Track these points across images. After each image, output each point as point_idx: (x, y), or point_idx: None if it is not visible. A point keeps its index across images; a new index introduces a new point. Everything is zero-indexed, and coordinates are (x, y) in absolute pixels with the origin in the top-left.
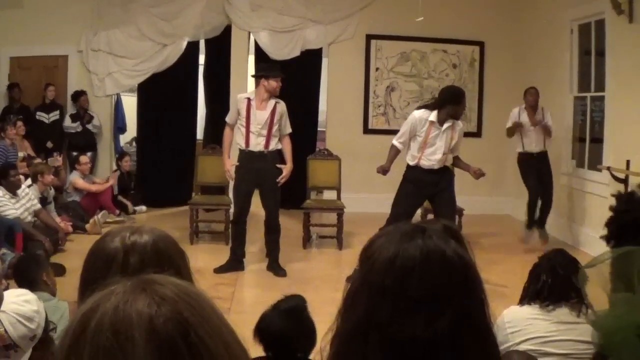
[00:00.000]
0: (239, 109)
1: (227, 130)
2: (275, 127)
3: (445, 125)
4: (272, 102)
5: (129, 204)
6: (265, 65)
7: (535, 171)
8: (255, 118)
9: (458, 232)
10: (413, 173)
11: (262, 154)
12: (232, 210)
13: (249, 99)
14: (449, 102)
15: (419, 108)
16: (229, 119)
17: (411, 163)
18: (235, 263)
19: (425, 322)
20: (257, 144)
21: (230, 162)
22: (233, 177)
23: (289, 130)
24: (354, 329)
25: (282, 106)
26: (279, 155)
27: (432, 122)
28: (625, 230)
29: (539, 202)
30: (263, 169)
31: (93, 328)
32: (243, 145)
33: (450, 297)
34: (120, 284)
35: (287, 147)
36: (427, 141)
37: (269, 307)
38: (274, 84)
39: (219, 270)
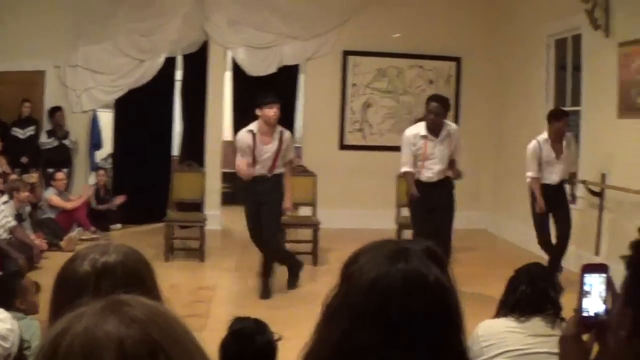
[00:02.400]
0: (248, 145)
1: (243, 166)
2: (280, 155)
3: (442, 135)
4: (278, 133)
5: (109, 206)
6: (262, 94)
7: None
8: (260, 153)
9: (440, 254)
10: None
11: (265, 177)
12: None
13: (252, 133)
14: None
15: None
16: (241, 158)
17: None
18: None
19: (404, 349)
20: (261, 170)
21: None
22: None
23: (291, 155)
24: (332, 351)
25: (287, 136)
26: (281, 178)
27: (424, 136)
28: None
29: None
30: (265, 191)
31: (64, 350)
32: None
33: (430, 324)
34: (90, 306)
35: (287, 173)
36: (426, 155)
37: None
38: (268, 112)
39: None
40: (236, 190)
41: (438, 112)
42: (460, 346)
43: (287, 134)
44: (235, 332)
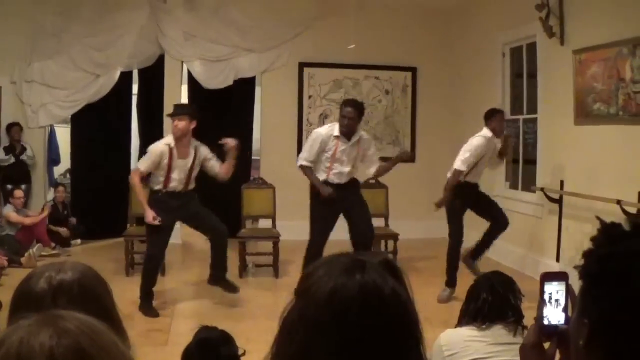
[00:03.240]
0: (160, 160)
1: (137, 179)
2: (195, 172)
3: (353, 140)
4: (193, 148)
5: (61, 230)
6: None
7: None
8: (176, 166)
9: (396, 266)
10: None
11: (179, 193)
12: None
13: (169, 147)
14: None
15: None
16: (143, 167)
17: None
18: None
19: None
20: (175, 187)
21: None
22: (159, 220)
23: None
24: None
25: (202, 151)
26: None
27: (337, 137)
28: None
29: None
30: (183, 205)
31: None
32: (160, 187)
33: (387, 338)
34: (26, 319)
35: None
36: (335, 156)
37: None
38: (175, 124)
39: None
40: None
41: (352, 117)
42: (419, 359)
43: (201, 148)
44: (201, 340)
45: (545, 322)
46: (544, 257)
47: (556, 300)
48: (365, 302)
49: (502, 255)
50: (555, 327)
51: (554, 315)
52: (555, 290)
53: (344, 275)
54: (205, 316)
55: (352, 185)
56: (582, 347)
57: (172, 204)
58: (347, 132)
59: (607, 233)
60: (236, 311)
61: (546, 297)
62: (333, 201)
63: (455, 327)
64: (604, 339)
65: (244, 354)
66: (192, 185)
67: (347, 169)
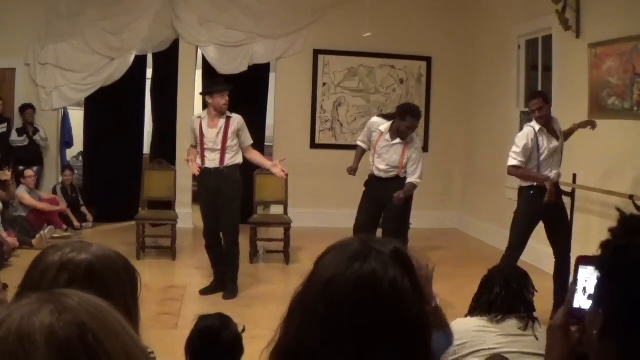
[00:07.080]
0: (194, 129)
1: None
2: (229, 143)
3: (396, 141)
4: (223, 119)
5: (74, 219)
6: (209, 81)
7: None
8: (207, 136)
9: (407, 257)
10: (369, 178)
11: (217, 170)
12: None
13: (200, 118)
14: (396, 115)
15: (380, 115)
16: (190, 140)
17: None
18: (218, 283)
19: (354, 357)
20: (211, 160)
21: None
22: (195, 170)
23: (249, 142)
24: (287, 348)
25: (235, 121)
26: (238, 169)
27: (381, 133)
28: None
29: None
30: (218, 187)
31: (1, 335)
32: (200, 163)
33: (382, 333)
34: (29, 297)
35: (256, 157)
36: (376, 149)
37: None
38: (219, 100)
39: (205, 292)
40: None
41: (414, 128)
42: (421, 357)
43: (235, 119)
44: (200, 330)
45: (576, 305)
46: None
47: (589, 284)
48: (359, 295)
49: None
50: (585, 310)
51: (585, 299)
52: (589, 275)
53: (346, 263)
54: (214, 301)
55: (394, 182)
56: (595, 338)
57: (209, 183)
58: (398, 135)
59: (626, 225)
60: (246, 296)
61: (579, 280)
62: (370, 188)
63: (466, 316)
64: (617, 331)
65: (244, 330)
66: (229, 159)
67: (382, 166)
